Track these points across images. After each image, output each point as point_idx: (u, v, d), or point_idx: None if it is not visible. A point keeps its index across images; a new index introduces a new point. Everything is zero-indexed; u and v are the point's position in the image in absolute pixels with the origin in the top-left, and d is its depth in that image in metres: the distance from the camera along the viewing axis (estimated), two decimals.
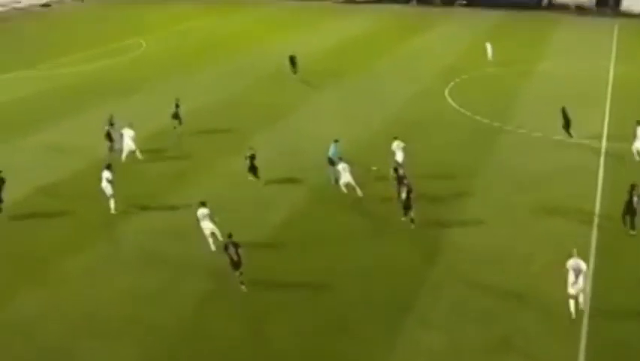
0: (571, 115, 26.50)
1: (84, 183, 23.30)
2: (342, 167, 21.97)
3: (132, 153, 25.30)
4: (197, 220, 19.08)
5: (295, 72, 37.10)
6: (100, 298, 16.91)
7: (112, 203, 21.31)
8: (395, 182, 21.32)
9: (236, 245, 17.09)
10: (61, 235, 20.19)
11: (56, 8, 67.44)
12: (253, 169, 23.29)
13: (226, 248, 17.18)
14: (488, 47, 40.85)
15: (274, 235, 19.91)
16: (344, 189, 21.97)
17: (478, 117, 29.84)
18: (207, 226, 18.90)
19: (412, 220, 20.28)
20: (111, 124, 26.44)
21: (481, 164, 24.57)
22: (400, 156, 23.65)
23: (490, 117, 29.65)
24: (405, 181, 20.37)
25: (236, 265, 17.13)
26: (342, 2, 68.10)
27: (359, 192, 21.88)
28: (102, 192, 21.72)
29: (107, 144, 26.10)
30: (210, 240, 18.95)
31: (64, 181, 23.82)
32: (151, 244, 19.60)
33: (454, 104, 31.90)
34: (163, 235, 20.02)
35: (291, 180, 23.39)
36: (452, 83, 35.20)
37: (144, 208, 21.78)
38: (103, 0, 71.88)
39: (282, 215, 21.09)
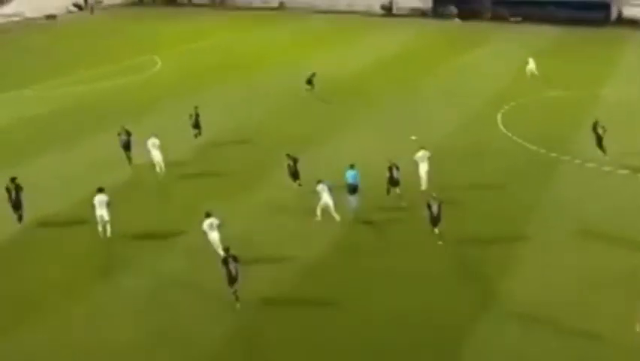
0: (601, 131, 28.07)
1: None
2: (321, 187, 22.93)
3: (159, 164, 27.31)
4: (204, 233, 20.89)
5: (310, 90, 39.42)
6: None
7: (108, 227, 22.37)
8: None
9: (235, 259, 18.75)
10: (58, 271, 20.94)
11: (63, 20, 70.40)
12: (294, 175, 25.66)
13: (225, 262, 18.73)
14: (531, 62, 42.39)
15: (307, 273, 20.55)
16: (318, 212, 23.17)
17: (533, 146, 30.41)
18: (214, 238, 20.80)
19: (440, 235, 21.92)
20: (128, 134, 28.42)
21: (537, 199, 24.75)
22: (424, 168, 25.67)
23: (547, 146, 30.04)
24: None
25: (232, 280, 18.70)
26: (381, 15, 70.25)
27: (337, 216, 23.15)
28: (101, 218, 22.50)
29: (126, 154, 28.22)
30: (220, 250, 20.33)
31: (74, 207, 24.98)
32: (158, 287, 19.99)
33: (506, 132, 32.53)
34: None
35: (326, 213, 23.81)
36: (505, 108, 35.64)
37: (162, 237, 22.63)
38: (114, 12, 75.30)
39: (318, 250, 21.84)
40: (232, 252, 18.92)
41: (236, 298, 18.78)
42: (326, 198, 23.09)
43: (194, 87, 41.87)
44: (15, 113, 36.70)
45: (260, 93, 40.21)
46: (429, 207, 22.36)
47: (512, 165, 28.51)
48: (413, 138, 28.76)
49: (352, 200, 24.08)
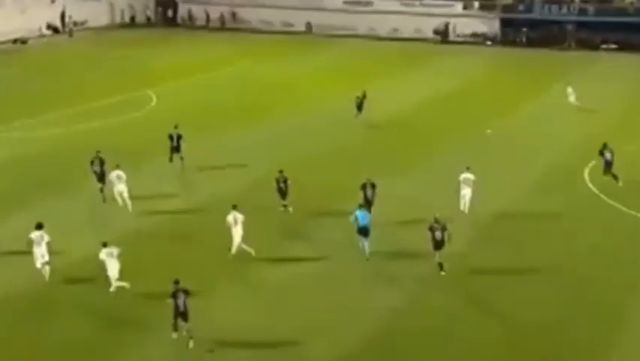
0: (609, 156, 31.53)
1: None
2: (231, 217, 25.86)
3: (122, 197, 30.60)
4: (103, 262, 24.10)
5: (357, 115, 43.14)
6: None
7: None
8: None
9: (186, 293, 21.07)
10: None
11: (35, 46, 72.15)
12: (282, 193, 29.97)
13: (174, 296, 21.03)
14: (569, 91, 44.09)
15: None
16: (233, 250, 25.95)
17: (632, 211, 30.27)
18: (113, 267, 23.99)
19: (442, 266, 25.01)
20: (102, 162, 31.67)
21: None
22: (468, 193, 29.65)
23: None
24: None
25: (183, 315, 20.97)
26: (435, 42, 71.23)
27: (252, 251, 26.00)
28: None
29: (100, 187, 31.40)
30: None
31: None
32: None
33: (596, 191, 32.50)
34: None
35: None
36: (594, 162, 35.30)
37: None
38: (98, 36, 77.42)
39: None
40: (182, 285, 21.19)
41: (191, 337, 21.02)
42: (237, 235, 25.88)
43: (198, 129, 41.91)
44: None
45: (287, 138, 40.98)
46: (432, 230, 25.09)
47: (603, 235, 28.18)
48: (489, 131, 32.14)
49: (363, 242, 26.53)
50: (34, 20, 75.65)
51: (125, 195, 30.74)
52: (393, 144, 39.72)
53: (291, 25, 78.70)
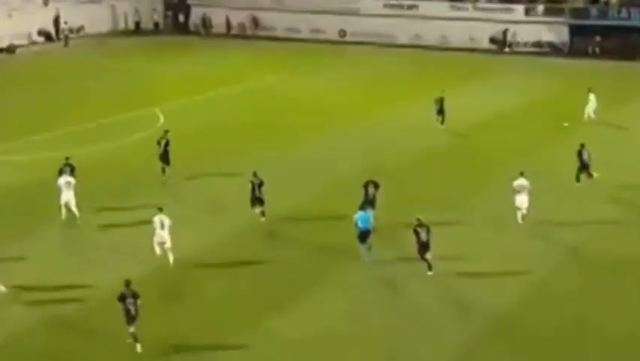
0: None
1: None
2: (157, 219, 29.32)
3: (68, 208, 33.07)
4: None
5: (442, 122, 46.79)
6: None
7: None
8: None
9: (134, 296, 24.01)
10: None
11: (24, 55, 72.70)
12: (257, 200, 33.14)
13: (122, 299, 24.06)
14: (592, 98, 46.68)
15: None
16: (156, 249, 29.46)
17: None
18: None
19: (430, 266, 28.59)
20: (72, 169, 34.38)
21: None
22: (524, 201, 32.35)
23: None
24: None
25: (131, 319, 23.98)
26: (492, 52, 70.76)
27: (171, 258, 29.31)
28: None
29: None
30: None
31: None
32: None
33: None
34: None
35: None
36: None
37: None
38: (97, 44, 77.57)
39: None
40: (133, 287, 24.21)
41: (136, 340, 23.98)
42: (160, 233, 29.27)
43: (211, 153, 42.42)
44: None
45: (316, 164, 41.00)
46: (416, 233, 28.54)
47: None
48: (565, 124, 36.59)
49: (363, 248, 29.66)
50: (24, 25, 76.00)
51: (73, 203, 33.22)
52: (455, 166, 40.76)
53: (321, 32, 78.66)
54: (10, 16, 74.76)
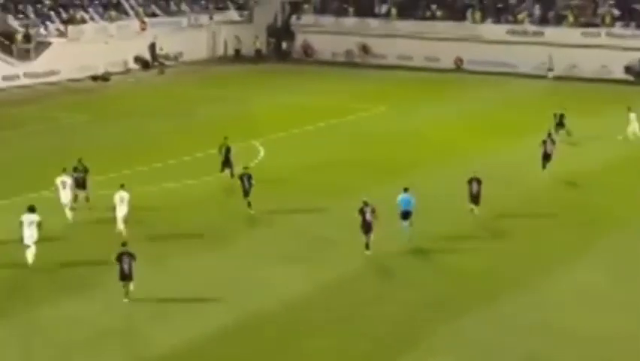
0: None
1: None
2: (118, 197, 35.86)
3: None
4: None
5: (569, 134, 50.65)
6: None
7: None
8: None
9: (130, 256, 29.15)
10: None
11: (118, 83, 74.12)
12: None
13: (119, 259, 29.17)
14: (632, 118, 50.17)
15: None
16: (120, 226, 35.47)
17: None
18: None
19: (367, 244, 33.68)
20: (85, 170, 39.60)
21: None
22: None
23: None
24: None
25: (126, 277, 29.13)
26: (627, 83, 69.29)
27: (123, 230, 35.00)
28: None
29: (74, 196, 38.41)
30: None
31: None
32: None
33: None
34: None
35: None
36: None
37: None
38: (193, 72, 79.24)
39: None
40: (128, 248, 29.23)
41: (126, 293, 29.23)
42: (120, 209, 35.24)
43: (317, 190, 42.24)
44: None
45: (433, 200, 40.16)
46: (362, 213, 33.60)
47: None
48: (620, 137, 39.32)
49: (404, 225, 34.79)
50: (120, 52, 78.09)
51: (68, 205, 37.64)
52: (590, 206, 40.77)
53: (436, 60, 78.99)
54: (106, 43, 76.81)
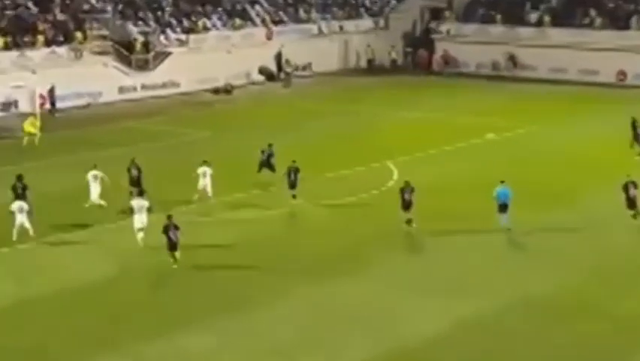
0: None
1: None
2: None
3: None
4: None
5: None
6: None
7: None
8: None
9: (176, 227, 35.19)
10: None
11: (241, 96, 75.36)
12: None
13: (166, 230, 35.09)
14: None
15: None
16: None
17: None
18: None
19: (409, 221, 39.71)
20: (138, 169, 45.26)
21: None
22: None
23: None
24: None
25: (173, 246, 35.18)
26: None
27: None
28: None
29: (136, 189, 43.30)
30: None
31: None
32: None
33: None
34: None
35: None
36: None
37: None
38: (321, 85, 79.89)
39: None
40: (174, 220, 35.38)
41: (175, 260, 35.35)
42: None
43: (462, 217, 41.74)
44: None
45: (596, 228, 40.16)
46: (402, 192, 40.20)
47: None
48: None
49: (503, 217, 39.24)
50: (243, 63, 79.04)
51: (96, 195, 42.85)
52: None
53: (594, 73, 77.70)
54: (228, 52, 78.00)
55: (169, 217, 35.41)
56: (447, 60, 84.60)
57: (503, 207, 39.02)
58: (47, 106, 66.89)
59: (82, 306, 32.57)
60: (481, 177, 47.69)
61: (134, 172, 44.63)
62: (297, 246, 39.03)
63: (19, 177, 40.92)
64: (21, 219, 38.10)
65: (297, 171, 43.77)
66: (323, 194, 46.02)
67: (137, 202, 38.43)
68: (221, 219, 43.34)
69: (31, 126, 57.31)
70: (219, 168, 47.60)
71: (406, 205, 39.65)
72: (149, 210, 38.06)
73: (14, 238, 38.19)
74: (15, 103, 67.25)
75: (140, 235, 37.60)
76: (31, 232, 38.19)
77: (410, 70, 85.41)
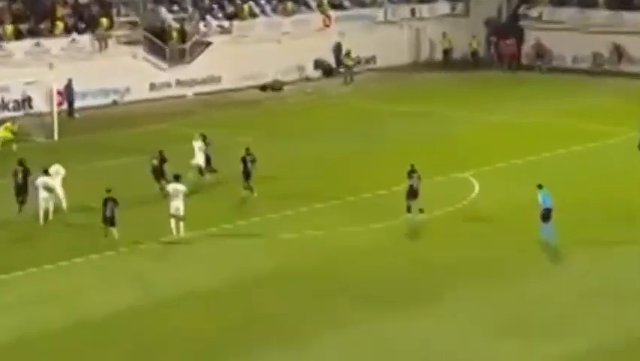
0: None
1: None
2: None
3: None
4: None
5: None
6: None
7: None
8: None
9: (114, 202, 39.82)
10: None
11: (293, 94, 74.61)
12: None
13: (105, 203, 39.88)
14: None
15: None
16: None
17: None
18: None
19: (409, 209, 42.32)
20: (162, 160, 47.35)
21: None
22: None
23: None
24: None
25: (109, 220, 39.88)
26: None
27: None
28: None
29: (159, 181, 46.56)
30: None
31: None
32: None
33: None
34: None
35: None
36: None
37: None
38: (385, 82, 79.20)
39: None
40: (112, 195, 40.12)
41: (106, 235, 39.94)
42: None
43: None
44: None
45: None
46: (410, 178, 42.50)
47: None
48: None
49: (546, 227, 39.64)
50: (295, 55, 77.76)
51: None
52: None
53: None
54: (278, 42, 76.50)
55: (108, 191, 39.83)
56: (539, 52, 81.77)
57: (547, 215, 39.40)
58: (64, 105, 64.77)
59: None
60: (572, 194, 46.45)
61: (155, 162, 47.23)
62: (351, 273, 38.60)
63: (21, 162, 44.52)
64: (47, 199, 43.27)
65: (253, 160, 46.75)
66: (378, 213, 45.30)
67: (173, 187, 41.21)
68: (279, 239, 43.14)
69: (5, 131, 57.20)
70: (263, 181, 48.63)
71: (413, 193, 42.01)
72: (185, 195, 41.12)
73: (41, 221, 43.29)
74: (28, 101, 65.31)
75: (173, 222, 40.83)
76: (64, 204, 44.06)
77: (494, 63, 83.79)
